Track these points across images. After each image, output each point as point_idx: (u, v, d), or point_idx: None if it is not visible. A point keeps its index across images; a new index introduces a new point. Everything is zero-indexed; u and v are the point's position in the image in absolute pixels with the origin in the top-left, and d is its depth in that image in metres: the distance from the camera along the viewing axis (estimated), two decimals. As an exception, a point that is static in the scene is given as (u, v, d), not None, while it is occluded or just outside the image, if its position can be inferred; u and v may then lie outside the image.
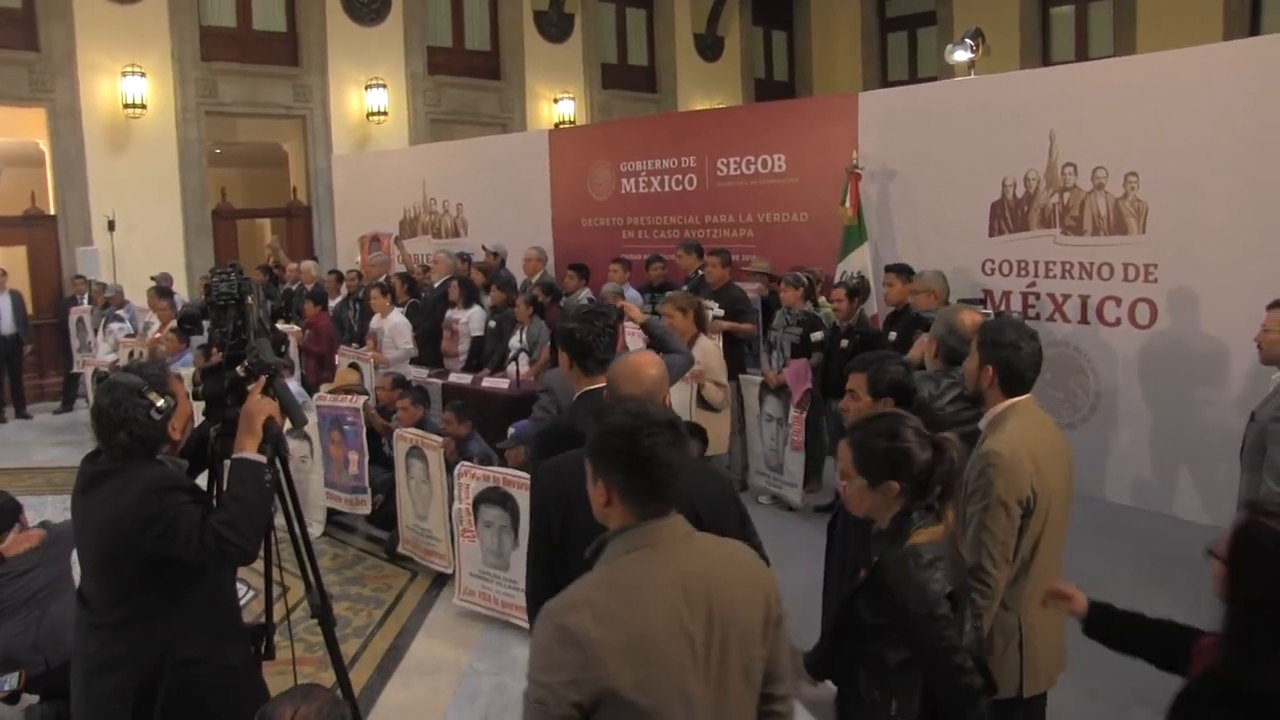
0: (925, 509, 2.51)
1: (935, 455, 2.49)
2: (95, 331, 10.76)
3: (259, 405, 2.92)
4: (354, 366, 8.58)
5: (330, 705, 2.21)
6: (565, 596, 1.97)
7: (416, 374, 8.41)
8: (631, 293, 8.42)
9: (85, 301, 11.55)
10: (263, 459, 2.85)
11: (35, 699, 4.25)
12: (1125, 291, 6.24)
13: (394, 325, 8.78)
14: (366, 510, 6.90)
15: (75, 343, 11.31)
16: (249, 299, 3.19)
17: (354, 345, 9.20)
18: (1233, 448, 5.75)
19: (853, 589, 2.62)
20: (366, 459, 6.82)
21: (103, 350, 10.38)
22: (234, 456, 2.84)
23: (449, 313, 9.06)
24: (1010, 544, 2.96)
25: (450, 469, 5.86)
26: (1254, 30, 14.72)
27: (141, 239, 12.73)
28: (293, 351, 9.39)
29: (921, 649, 2.44)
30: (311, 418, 7.01)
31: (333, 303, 10.38)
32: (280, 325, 9.80)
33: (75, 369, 11.24)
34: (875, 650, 2.52)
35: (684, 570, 1.99)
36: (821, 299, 7.58)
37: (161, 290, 10.05)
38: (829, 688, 2.78)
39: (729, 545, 2.17)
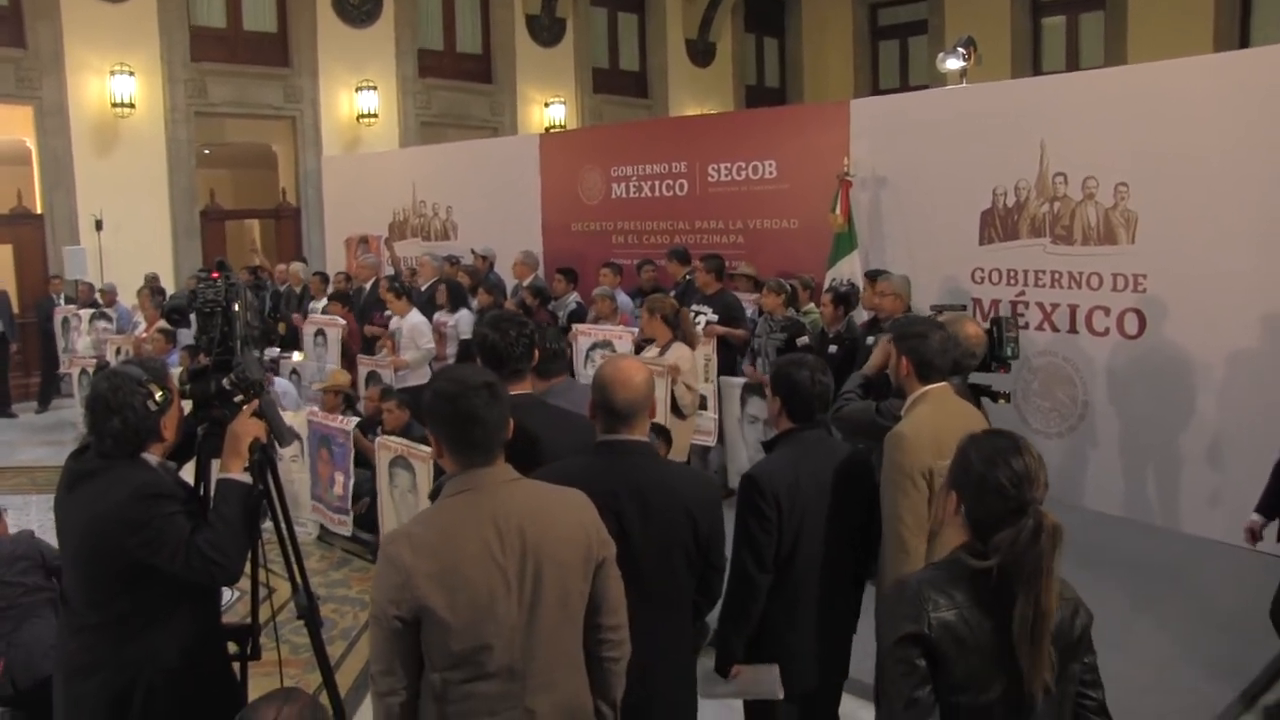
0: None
1: None
2: (83, 327, 10.69)
3: (246, 426, 2.91)
4: (373, 376, 8.44)
5: (312, 708, 2.19)
6: (394, 531, 2.37)
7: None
8: (623, 297, 8.41)
9: (62, 301, 11.48)
10: (248, 480, 2.85)
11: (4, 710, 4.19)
12: (1114, 301, 6.24)
13: (412, 325, 8.51)
14: (347, 532, 6.81)
15: (61, 342, 11.25)
16: (235, 305, 3.10)
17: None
18: (1220, 457, 5.81)
19: None
20: (351, 481, 6.75)
21: (82, 344, 10.34)
22: (220, 477, 2.84)
23: (436, 315, 9.02)
24: (923, 513, 3.14)
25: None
26: (1243, 42, 14.82)
27: (129, 239, 12.67)
28: (335, 349, 9.28)
29: None
30: (304, 424, 6.98)
31: (320, 303, 10.32)
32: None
33: (63, 369, 11.18)
34: None
35: (498, 511, 2.28)
36: (810, 305, 7.58)
37: (155, 289, 10.02)
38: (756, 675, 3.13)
39: (556, 491, 2.43)
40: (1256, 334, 5.59)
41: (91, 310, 10.82)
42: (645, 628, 2.63)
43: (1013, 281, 6.73)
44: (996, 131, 6.76)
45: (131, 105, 12.75)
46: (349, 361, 9.01)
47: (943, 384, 3.37)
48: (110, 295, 11.01)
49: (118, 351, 9.17)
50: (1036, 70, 16.55)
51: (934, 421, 3.19)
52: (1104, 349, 6.30)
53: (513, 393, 3.07)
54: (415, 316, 8.57)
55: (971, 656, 2.09)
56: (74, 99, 12.49)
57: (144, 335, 9.15)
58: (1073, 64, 16.27)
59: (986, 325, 4.36)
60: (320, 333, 9.51)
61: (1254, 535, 4.41)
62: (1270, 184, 5.54)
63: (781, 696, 3.17)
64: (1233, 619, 4.86)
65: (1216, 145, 5.74)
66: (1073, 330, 6.44)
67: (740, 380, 7.20)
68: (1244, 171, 5.64)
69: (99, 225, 12.50)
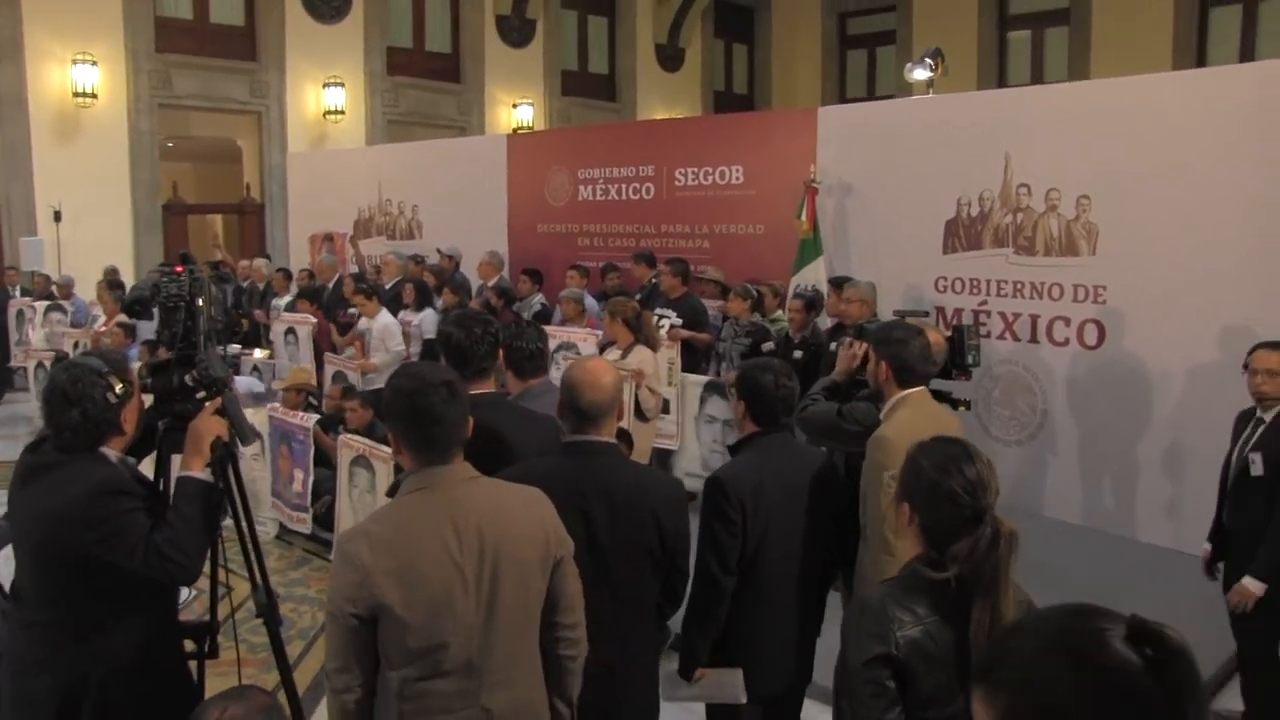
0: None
1: None
2: (37, 319, 10.52)
3: (208, 424, 2.86)
4: (339, 374, 8.32)
5: (262, 709, 2.16)
6: (353, 528, 2.37)
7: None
8: (589, 300, 8.40)
9: (17, 293, 11.30)
10: (209, 478, 2.81)
11: None
12: (1074, 312, 6.32)
13: (383, 326, 8.43)
14: (306, 529, 6.75)
15: (15, 335, 11.06)
16: (199, 300, 3.04)
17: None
18: (1177, 468, 5.89)
19: None
20: (311, 478, 6.70)
21: (36, 337, 10.18)
22: (180, 474, 2.80)
23: (401, 314, 8.97)
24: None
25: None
26: (1200, 60, 15.10)
27: (89, 231, 12.49)
28: (307, 347, 9.20)
29: None
30: (265, 420, 6.91)
31: (284, 300, 10.24)
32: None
33: (15, 362, 11.00)
34: None
35: (456, 510, 2.28)
36: (779, 311, 7.61)
37: (113, 283, 9.88)
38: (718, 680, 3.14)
39: (514, 489, 2.43)
40: (1214, 345, 5.67)
41: (46, 303, 10.66)
42: (613, 629, 2.63)
43: (975, 290, 6.80)
44: (962, 142, 6.82)
45: (93, 95, 12.56)
46: (317, 359, 8.94)
47: (921, 388, 3.44)
48: (67, 288, 10.86)
49: (76, 345, 9.03)
50: (1002, 83, 16.75)
51: (914, 424, 3.20)
52: (1064, 359, 6.38)
53: (477, 392, 3.06)
54: (385, 318, 8.50)
55: (938, 671, 2.08)
56: (34, 87, 12.29)
57: (103, 329, 9.02)
58: (1037, 77, 16.48)
59: (948, 333, 4.38)
60: (291, 331, 9.42)
61: (1208, 567, 4.49)
62: (1229, 198, 5.63)
63: (745, 700, 3.17)
64: (1186, 627, 4.91)
65: (1177, 160, 5.82)
66: (1033, 340, 6.51)
67: (701, 379, 7.20)
68: (1204, 186, 5.73)
69: (58, 216, 12.31)
